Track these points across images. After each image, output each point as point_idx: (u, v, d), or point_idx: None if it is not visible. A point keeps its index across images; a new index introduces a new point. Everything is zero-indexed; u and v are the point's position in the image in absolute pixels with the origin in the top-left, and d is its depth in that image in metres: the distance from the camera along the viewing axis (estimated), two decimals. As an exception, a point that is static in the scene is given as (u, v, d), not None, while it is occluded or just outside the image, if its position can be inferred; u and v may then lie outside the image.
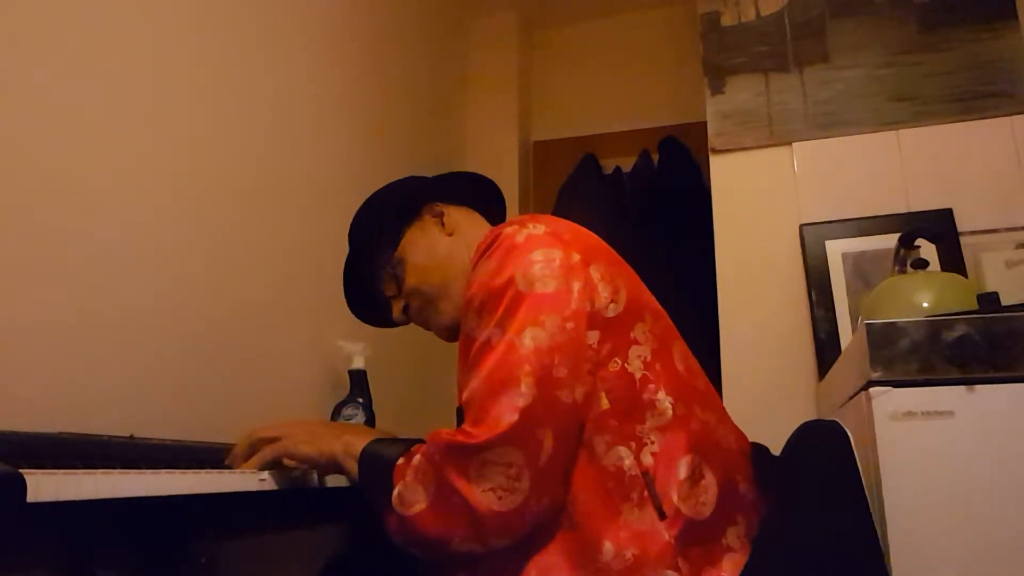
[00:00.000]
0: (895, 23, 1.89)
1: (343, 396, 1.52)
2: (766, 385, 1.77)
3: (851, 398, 1.12)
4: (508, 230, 0.91)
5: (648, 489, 0.80)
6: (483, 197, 1.18)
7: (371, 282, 1.14)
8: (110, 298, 1.08)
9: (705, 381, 0.93)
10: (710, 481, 0.82)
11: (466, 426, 0.80)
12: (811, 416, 1.65)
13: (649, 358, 0.86)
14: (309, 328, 1.57)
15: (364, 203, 1.16)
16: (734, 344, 1.84)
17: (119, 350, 1.08)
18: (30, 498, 0.52)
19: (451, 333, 1.08)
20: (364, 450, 0.88)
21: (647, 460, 0.81)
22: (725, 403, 0.94)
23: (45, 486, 0.54)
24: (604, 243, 0.96)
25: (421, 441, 0.86)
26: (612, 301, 0.86)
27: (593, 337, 0.84)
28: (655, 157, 2.55)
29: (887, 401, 0.97)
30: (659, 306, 0.95)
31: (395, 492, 0.82)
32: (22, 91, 0.97)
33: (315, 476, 0.95)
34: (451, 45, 2.57)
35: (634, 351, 0.85)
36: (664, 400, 0.84)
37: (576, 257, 0.87)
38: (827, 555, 0.78)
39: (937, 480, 0.93)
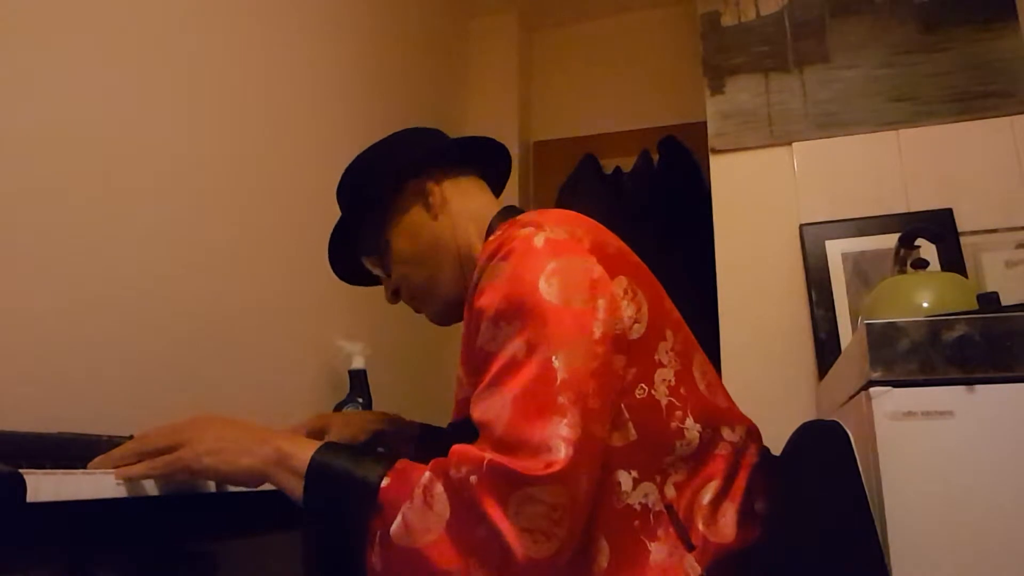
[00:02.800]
0: (895, 23, 1.89)
1: (343, 396, 1.52)
2: (766, 385, 1.77)
3: (851, 398, 1.12)
4: (524, 232, 0.80)
5: (674, 523, 0.75)
6: (484, 158, 1.06)
7: (357, 259, 1.07)
8: (110, 298, 1.08)
9: (725, 393, 0.88)
10: (732, 503, 0.79)
11: (496, 452, 0.68)
12: (811, 416, 1.65)
13: (674, 382, 0.79)
14: (309, 328, 1.57)
15: (347, 171, 1.06)
16: (734, 344, 1.84)
17: (119, 350, 1.08)
18: (30, 498, 0.52)
19: (443, 318, 1.03)
20: (314, 464, 0.72)
21: (670, 492, 0.76)
22: (725, 403, 0.92)
23: (45, 486, 0.54)
24: (622, 243, 0.88)
25: (394, 456, 0.75)
26: (636, 321, 0.79)
27: (619, 362, 0.76)
28: (655, 157, 2.55)
29: (887, 401, 0.97)
30: (678, 313, 0.88)
31: (395, 523, 0.68)
32: (21, 90, 0.97)
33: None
34: (451, 45, 2.57)
35: (659, 375, 0.79)
36: (692, 428, 0.78)
37: (598, 270, 0.79)
38: (827, 555, 0.78)
39: (937, 480, 0.93)
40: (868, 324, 1.00)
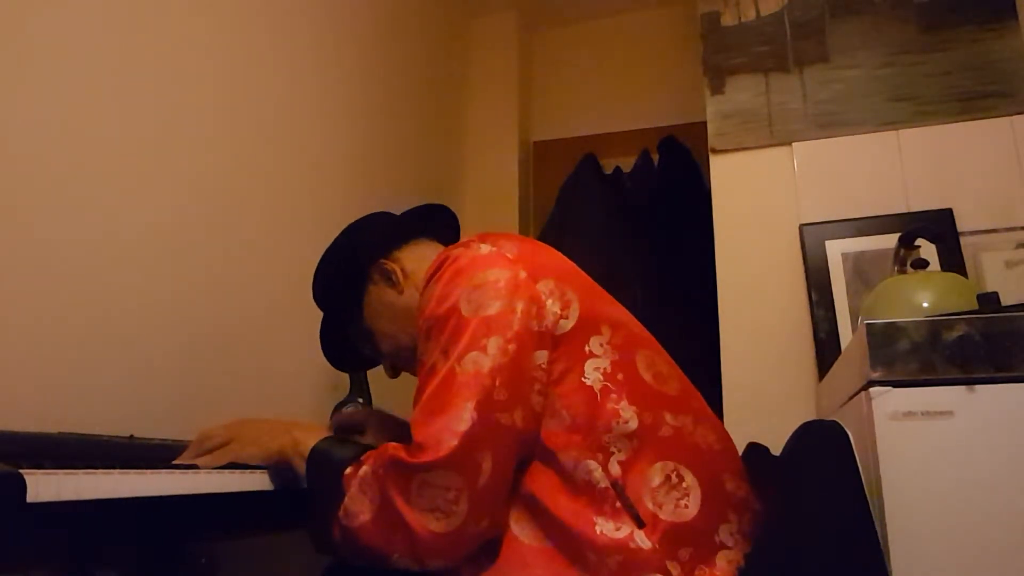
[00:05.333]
0: (895, 23, 1.89)
1: (343, 396, 1.52)
2: (766, 385, 1.77)
3: (851, 398, 1.12)
4: (455, 252, 0.92)
5: (620, 499, 0.80)
6: (434, 221, 1.16)
7: (353, 349, 1.18)
8: (110, 298, 1.08)
9: (680, 384, 0.92)
10: (691, 483, 0.82)
11: (408, 447, 0.81)
12: (811, 416, 1.65)
13: (609, 369, 0.86)
14: (309, 328, 1.57)
15: (315, 274, 1.14)
16: (734, 344, 1.84)
17: (119, 350, 1.08)
18: (30, 498, 0.52)
19: None
20: (313, 451, 0.87)
21: (615, 470, 0.81)
22: (725, 404, 0.93)
23: (45, 486, 0.54)
24: (558, 256, 0.97)
25: (372, 447, 0.86)
26: (562, 317, 0.87)
27: (542, 357, 0.85)
28: (655, 157, 2.55)
29: (887, 401, 0.97)
30: (623, 315, 0.94)
31: (342, 506, 0.82)
32: (21, 88, 0.97)
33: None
34: (451, 45, 2.57)
35: (591, 364, 0.86)
36: (627, 410, 0.84)
37: (523, 275, 0.88)
38: (827, 555, 0.78)
39: (937, 480, 0.93)
40: (868, 324, 1.00)
